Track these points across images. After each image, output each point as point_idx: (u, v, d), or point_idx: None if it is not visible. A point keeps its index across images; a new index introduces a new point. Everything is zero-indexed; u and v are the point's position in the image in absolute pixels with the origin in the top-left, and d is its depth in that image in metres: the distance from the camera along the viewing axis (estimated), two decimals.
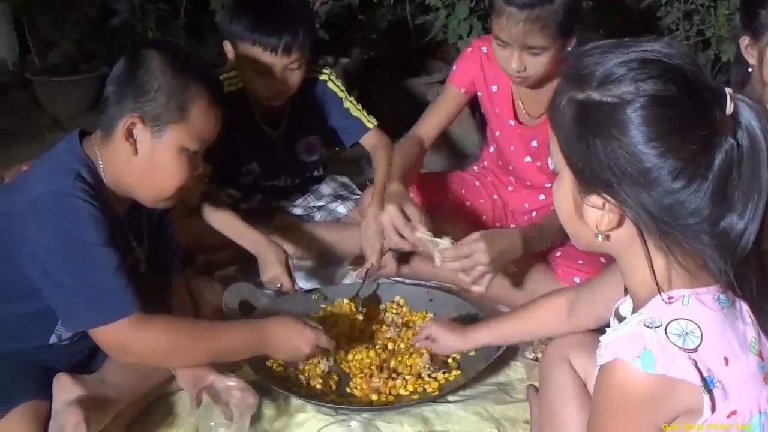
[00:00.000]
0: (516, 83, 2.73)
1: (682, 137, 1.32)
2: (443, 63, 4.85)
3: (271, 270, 2.68)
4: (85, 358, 2.25)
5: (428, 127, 2.97)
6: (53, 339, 2.16)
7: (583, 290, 2.03)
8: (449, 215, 3.03)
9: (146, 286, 2.23)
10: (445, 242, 2.42)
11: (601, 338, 1.50)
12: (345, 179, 3.46)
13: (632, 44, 1.39)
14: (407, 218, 2.49)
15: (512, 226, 3.00)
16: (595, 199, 1.40)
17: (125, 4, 5.22)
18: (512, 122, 2.90)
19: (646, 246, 1.39)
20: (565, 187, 1.47)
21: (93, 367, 2.23)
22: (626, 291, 1.62)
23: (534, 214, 3.10)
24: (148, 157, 2.08)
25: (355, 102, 3.19)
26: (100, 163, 2.10)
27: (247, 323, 2.32)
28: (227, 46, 2.96)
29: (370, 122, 3.17)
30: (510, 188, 3.14)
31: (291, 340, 2.22)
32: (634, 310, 1.50)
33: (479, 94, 2.94)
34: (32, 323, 2.13)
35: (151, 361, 2.11)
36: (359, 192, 3.29)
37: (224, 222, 2.80)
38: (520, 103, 2.88)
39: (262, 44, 2.83)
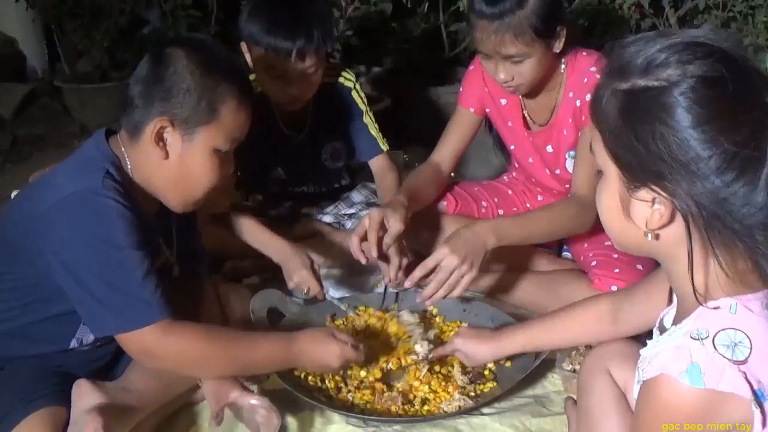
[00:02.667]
0: (510, 92, 2.72)
1: (734, 119, 1.25)
2: None
3: (297, 274, 2.61)
4: (106, 365, 2.18)
5: (444, 152, 2.96)
6: (74, 344, 2.10)
7: (627, 295, 1.94)
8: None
9: (178, 290, 2.18)
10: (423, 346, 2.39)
11: (642, 351, 1.44)
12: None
13: (673, 32, 1.35)
14: (384, 228, 2.49)
15: (482, 220, 2.91)
16: (645, 194, 1.33)
17: (156, 12, 5.21)
18: (526, 133, 2.88)
19: (691, 242, 1.32)
20: (610, 185, 1.40)
21: (114, 374, 2.17)
22: (670, 299, 1.55)
23: None
24: (179, 160, 2.01)
25: (373, 119, 3.15)
26: (128, 162, 2.04)
27: (277, 336, 2.20)
28: (244, 48, 2.92)
29: (384, 145, 3.14)
30: (540, 197, 3.11)
31: (320, 355, 2.12)
32: (677, 319, 1.43)
33: (488, 110, 2.91)
34: (52, 327, 2.06)
35: (179, 368, 2.03)
36: None
37: (248, 232, 2.75)
38: (526, 111, 2.86)
39: (275, 49, 2.77)
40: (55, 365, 2.10)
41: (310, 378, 2.32)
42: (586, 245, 2.81)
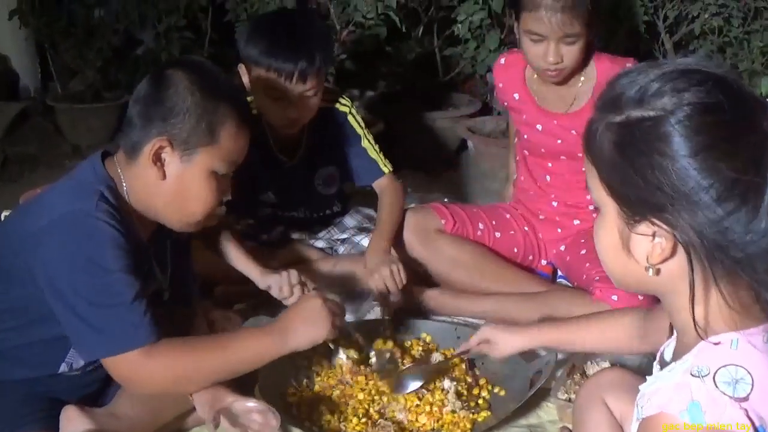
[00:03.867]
0: (549, 78, 2.81)
1: (733, 146, 1.23)
2: (470, 96, 4.80)
3: (284, 289, 2.58)
4: (96, 391, 2.15)
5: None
6: (63, 368, 2.07)
7: (655, 312, 1.88)
8: (478, 248, 3.01)
9: (168, 315, 2.16)
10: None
11: (641, 386, 1.40)
12: (370, 211, 3.37)
13: (665, 61, 1.32)
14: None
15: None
16: (645, 228, 1.30)
17: (149, 33, 5.21)
18: (540, 126, 2.94)
19: (693, 275, 1.28)
20: (608, 222, 1.37)
21: (104, 401, 2.14)
22: (671, 332, 1.52)
23: (563, 248, 3.05)
24: (177, 181, 2.00)
25: (373, 142, 3.12)
26: (124, 184, 2.02)
27: (257, 328, 2.21)
28: (242, 70, 2.90)
29: (386, 167, 3.11)
30: (541, 216, 3.10)
31: (303, 313, 2.11)
32: (677, 354, 1.40)
33: (505, 104, 3.07)
34: (42, 350, 2.04)
35: (167, 389, 2.01)
36: None
37: (234, 260, 2.74)
38: (543, 102, 2.94)
39: (276, 70, 2.74)
40: (44, 390, 2.07)
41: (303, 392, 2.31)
42: (587, 264, 2.81)
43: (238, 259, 2.72)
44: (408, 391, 2.30)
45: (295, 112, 2.84)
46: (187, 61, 2.23)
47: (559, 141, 2.92)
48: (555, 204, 3.07)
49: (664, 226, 1.27)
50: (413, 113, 4.55)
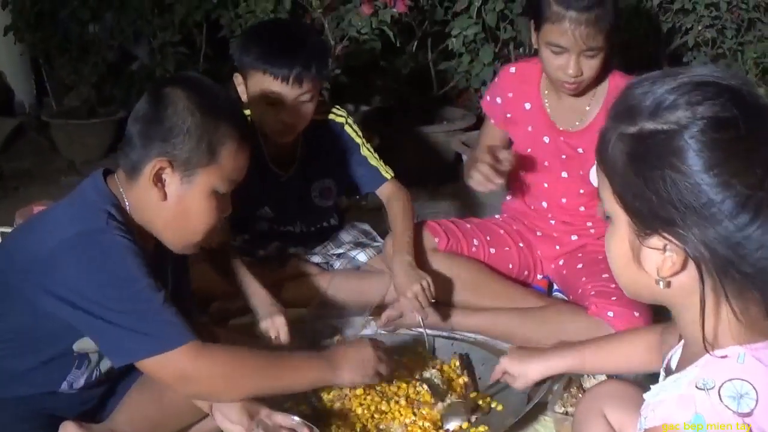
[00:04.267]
0: (566, 90, 2.79)
1: (747, 161, 1.22)
2: (465, 111, 4.81)
3: (267, 320, 2.59)
4: (94, 407, 2.15)
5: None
6: (64, 386, 2.06)
7: (671, 328, 1.88)
8: (473, 264, 2.99)
9: None
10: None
11: (645, 395, 1.39)
12: (366, 226, 3.38)
13: (680, 71, 1.30)
14: None
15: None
16: (656, 241, 1.29)
17: (144, 48, 5.21)
18: (546, 139, 2.92)
19: (704, 289, 1.28)
20: (620, 233, 1.36)
21: (102, 417, 2.13)
22: (678, 339, 1.51)
23: (561, 262, 3.04)
24: (178, 202, 1.99)
25: (372, 150, 3.12)
26: (126, 203, 2.02)
27: (310, 353, 2.21)
28: (237, 79, 2.91)
29: (387, 173, 3.11)
30: (538, 233, 3.10)
31: (354, 355, 2.15)
32: (683, 363, 1.39)
33: (508, 115, 3.00)
34: (45, 370, 2.02)
35: (213, 390, 1.99)
36: (380, 239, 3.21)
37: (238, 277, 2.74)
38: (552, 113, 2.92)
39: (273, 73, 2.76)
40: (42, 407, 2.06)
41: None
42: (583, 279, 2.81)
43: (249, 292, 2.72)
44: (450, 427, 2.29)
45: (290, 117, 2.84)
46: (185, 78, 2.20)
47: (564, 156, 2.91)
48: (552, 222, 3.06)
49: (675, 241, 1.26)
50: (408, 128, 4.56)
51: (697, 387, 1.25)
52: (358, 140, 3.10)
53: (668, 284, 1.32)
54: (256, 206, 3.10)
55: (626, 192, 1.31)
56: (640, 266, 1.34)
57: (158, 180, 1.96)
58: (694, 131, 1.22)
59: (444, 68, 4.54)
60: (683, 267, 1.29)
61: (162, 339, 1.87)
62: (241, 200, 2.80)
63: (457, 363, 2.55)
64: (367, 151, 3.10)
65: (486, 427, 2.27)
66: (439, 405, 2.33)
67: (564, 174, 2.94)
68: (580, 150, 2.86)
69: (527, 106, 2.94)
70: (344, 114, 3.11)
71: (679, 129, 1.23)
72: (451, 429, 2.28)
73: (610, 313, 2.55)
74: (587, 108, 2.85)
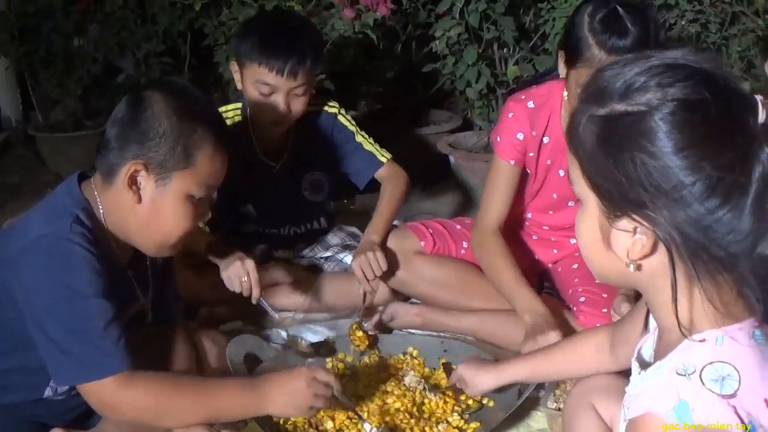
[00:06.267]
0: None
1: (717, 144, 1.21)
2: (451, 113, 4.81)
3: (232, 267, 2.59)
4: (81, 415, 2.13)
5: (495, 215, 2.83)
6: (48, 392, 2.05)
7: (623, 325, 1.88)
8: (460, 266, 2.97)
9: (153, 337, 2.18)
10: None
11: (627, 388, 1.40)
12: (353, 229, 3.37)
13: (652, 54, 1.29)
14: None
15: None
16: (626, 224, 1.28)
17: (129, 60, 5.20)
18: (562, 173, 2.80)
19: (674, 272, 1.27)
20: (589, 215, 1.35)
21: (90, 424, 2.12)
22: (646, 327, 1.53)
23: (557, 264, 3.03)
24: (152, 205, 1.98)
25: (366, 136, 3.13)
26: (101, 207, 2.00)
27: (243, 382, 2.11)
28: (234, 67, 2.93)
29: (383, 156, 3.11)
30: (534, 237, 3.06)
31: (288, 389, 2.02)
32: (660, 352, 1.38)
33: (531, 154, 2.80)
34: (27, 374, 2.02)
35: (140, 420, 1.97)
36: None
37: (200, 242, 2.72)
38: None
39: (268, 65, 2.78)
40: (29, 415, 2.06)
41: (288, 424, 2.26)
42: (576, 280, 2.79)
43: (209, 247, 2.71)
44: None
45: (284, 109, 2.85)
46: (165, 82, 2.21)
47: (568, 199, 2.85)
48: (546, 228, 3.04)
49: (645, 223, 1.26)
50: (394, 131, 4.54)
51: (677, 373, 1.25)
52: (352, 128, 3.11)
53: (638, 267, 1.31)
54: (244, 203, 3.10)
55: (596, 174, 1.30)
56: (609, 248, 1.33)
57: (133, 182, 1.95)
58: (665, 112, 1.21)
59: (429, 71, 4.54)
60: (653, 250, 1.29)
61: (90, 367, 1.85)
62: (226, 194, 2.82)
63: (415, 353, 2.63)
64: (361, 138, 3.12)
65: (478, 423, 2.27)
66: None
67: (571, 203, 2.88)
68: None
69: (545, 140, 2.78)
70: (337, 105, 3.13)
71: (649, 110, 1.22)
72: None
73: (599, 325, 2.53)
74: None
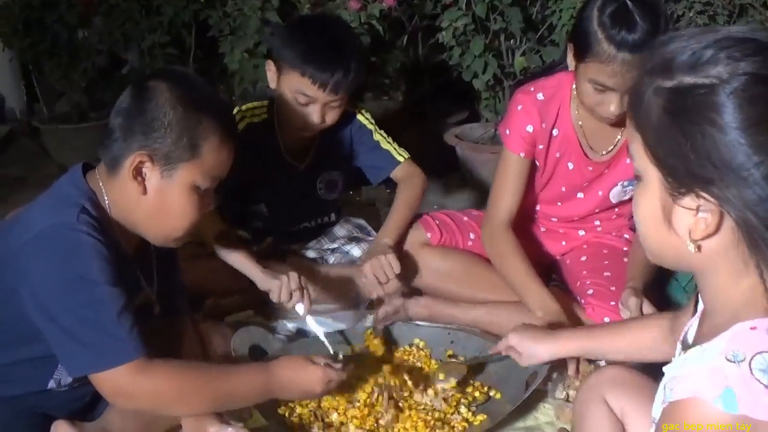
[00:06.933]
0: (604, 121, 2.58)
1: None
2: (458, 104, 4.79)
3: (277, 281, 2.55)
4: (86, 406, 2.12)
5: (505, 209, 2.79)
6: (52, 384, 2.03)
7: (682, 316, 1.83)
8: (467, 258, 2.95)
9: (158, 329, 2.14)
10: None
11: (666, 369, 1.35)
12: (360, 221, 3.36)
13: (717, 28, 1.26)
14: None
15: None
16: (690, 201, 1.25)
17: (134, 52, 5.19)
18: (571, 165, 2.78)
19: (758, 249, 1.22)
20: (651, 191, 1.31)
21: (94, 415, 2.10)
22: (695, 310, 1.48)
23: (565, 256, 3.01)
24: (157, 196, 1.96)
25: (384, 135, 3.09)
26: (106, 198, 1.98)
27: (255, 366, 2.14)
28: (270, 66, 2.88)
29: (401, 155, 3.08)
30: (543, 228, 3.04)
31: (299, 380, 2.05)
32: (706, 335, 1.32)
33: (540, 146, 2.77)
34: (30, 367, 2.00)
35: (155, 408, 1.96)
36: (375, 234, 3.16)
37: (236, 262, 2.69)
38: (586, 141, 2.75)
39: (312, 77, 2.73)
40: (33, 406, 2.04)
41: (294, 417, 2.25)
42: (584, 272, 2.77)
43: (238, 259, 2.69)
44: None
45: (319, 120, 2.82)
46: (170, 72, 2.15)
47: (585, 184, 2.82)
48: (554, 220, 3.02)
49: (712, 200, 1.22)
50: (401, 123, 4.52)
51: (727, 359, 1.21)
52: (370, 127, 3.08)
53: (698, 248, 1.28)
54: (254, 201, 3.08)
55: (660, 147, 1.27)
56: (670, 227, 1.30)
57: (138, 174, 1.93)
58: (735, 86, 1.18)
59: (436, 61, 4.52)
60: (716, 230, 1.25)
61: (106, 355, 1.83)
62: (238, 192, 2.80)
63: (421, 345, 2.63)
64: (379, 137, 3.09)
65: (485, 416, 2.25)
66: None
67: (580, 195, 2.86)
68: (606, 170, 2.77)
69: (555, 132, 2.75)
70: (356, 104, 3.11)
71: (720, 83, 1.19)
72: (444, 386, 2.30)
73: (607, 319, 2.52)
74: (619, 137, 2.71)
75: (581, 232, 2.97)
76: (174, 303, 2.29)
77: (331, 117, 2.86)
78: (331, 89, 2.75)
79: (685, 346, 1.43)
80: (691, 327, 1.46)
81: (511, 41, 4.17)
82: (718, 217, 1.23)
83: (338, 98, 2.80)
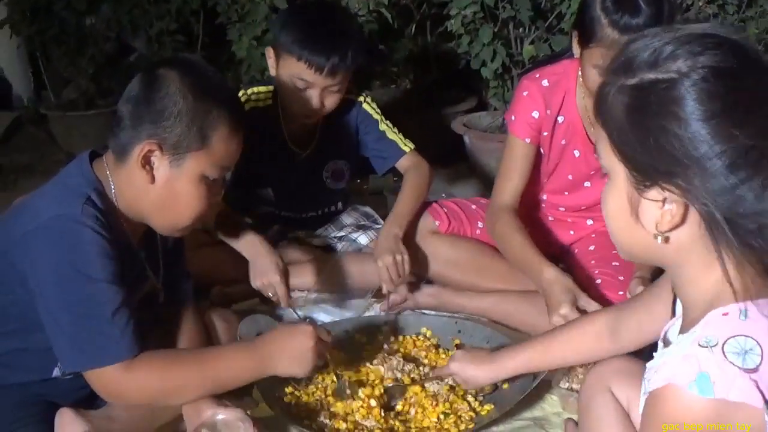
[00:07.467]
0: None
1: (748, 112, 1.20)
2: (467, 92, 4.77)
3: (265, 276, 2.56)
4: (91, 393, 2.07)
5: (509, 193, 2.79)
6: (56, 372, 2.03)
7: (625, 310, 1.88)
8: (475, 246, 2.94)
9: (163, 318, 2.16)
10: None
11: (648, 364, 1.39)
12: (367, 209, 3.35)
13: (677, 27, 1.29)
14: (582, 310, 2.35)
15: None
16: (655, 194, 1.27)
17: (142, 39, 5.19)
18: (577, 153, 2.77)
19: (716, 241, 1.25)
20: (617, 188, 1.34)
21: (99, 404, 2.08)
22: (673, 312, 1.50)
23: (573, 245, 3.00)
24: (165, 185, 1.94)
25: (390, 125, 3.08)
26: (112, 186, 1.97)
27: (242, 345, 2.14)
28: (269, 53, 2.88)
29: (406, 145, 3.07)
30: (551, 218, 3.03)
31: (289, 343, 2.03)
32: (684, 329, 1.36)
33: (545, 133, 2.77)
34: (35, 355, 2.00)
35: (147, 403, 1.97)
36: (381, 222, 3.15)
37: (226, 228, 2.68)
38: (593, 129, 2.71)
39: (309, 61, 2.72)
40: (38, 394, 2.04)
41: (302, 396, 2.26)
42: (592, 262, 2.76)
43: (231, 225, 2.69)
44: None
45: (318, 104, 2.81)
46: (180, 60, 2.12)
47: (592, 172, 2.81)
48: (562, 209, 3.00)
49: (676, 192, 1.25)
50: (409, 111, 4.52)
51: (699, 345, 1.24)
52: (377, 116, 3.07)
53: (666, 239, 1.30)
54: (261, 185, 3.07)
55: (625, 144, 1.29)
56: (637, 221, 1.32)
57: (147, 162, 1.92)
58: (695, 79, 1.21)
59: (444, 50, 4.50)
60: (682, 221, 1.27)
61: (94, 354, 1.84)
62: (245, 176, 2.79)
63: (428, 333, 2.62)
64: (385, 126, 3.07)
65: (491, 406, 2.24)
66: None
67: (587, 184, 2.85)
68: None
69: (560, 119, 2.75)
70: (363, 93, 3.09)
71: (680, 77, 1.22)
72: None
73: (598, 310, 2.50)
74: None
75: (589, 222, 2.96)
76: (180, 291, 2.29)
77: (331, 102, 2.85)
78: (327, 73, 2.74)
79: (666, 344, 1.45)
80: (671, 327, 1.47)
81: (520, 29, 4.16)
82: (683, 208, 1.26)
83: (336, 83, 2.78)
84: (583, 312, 2.31)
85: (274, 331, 2.08)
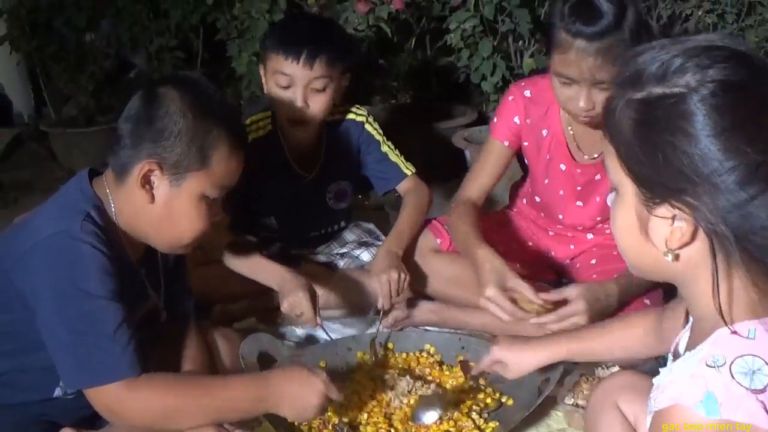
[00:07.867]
0: (580, 121, 2.55)
1: (758, 126, 1.18)
2: (467, 106, 4.77)
3: (292, 295, 2.52)
4: (92, 414, 2.07)
5: (476, 189, 2.85)
6: (58, 392, 2.02)
7: (668, 310, 1.86)
8: None
9: (164, 336, 2.15)
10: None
11: (655, 379, 1.36)
12: (370, 225, 3.34)
13: (685, 38, 1.27)
14: (512, 299, 2.40)
15: (611, 280, 2.62)
16: (665, 211, 1.25)
17: (141, 55, 5.19)
18: (563, 166, 2.77)
19: (715, 260, 1.24)
20: (626, 204, 1.32)
21: (100, 424, 2.08)
22: (686, 321, 1.48)
23: (575, 260, 2.98)
24: (165, 205, 1.94)
25: (392, 147, 3.07)
26: (112, 204, 1.96)
27: (250, 377, 2.11)
28: (261, 69, 2.87)
29: (408, 169, 3.06)
30: (551, 232, 3.01)
31: (298, 392, 1.97)
32: (691, 344, 1.35)
33: (525, 143, 2.79)
34: (36, 375, 1.99)
35: (147, 424, 1.93)
36: (384, 238, 3.14)
37: (242, 260, 2.67)
38: (575, 144, 2.74)
39: (285, 52, 2.72)
40: (39, 414, 2.03)
41: (303, 425, 2.22)
42: (594, 275, 2.75)
43: (251, 258, 2.68)
44: (426, 422, 2.21)
45: (302, 104, 2.77)
46: (180, 78, 2.12)
47: (579, 188, 2.80)
48: (560, 226, 2.99)
49: (685, 210, 1.23)
50: (409, 126, 4.52)
51: (707, 365, 1.22)
52: (379, 137, 3.06)
53: (676, 257, 1.28)
54: (264, 213, 3.06)
55: (633, 159, 1.27)
56: (647, 238, 1.30)
57: (146, 182, 1.91)
58: (704, 94, 1.19)
59: (444, 64, 4.50)
60: (692, 238, 1.26)
61: (96, 371, 1.82)
62: (247, 203, 2.78)
63: (432, 350, 2.61)
64: (387, 148, 3.06)
65: (496, 423, 2.23)
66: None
67: (579, 203, 2.84)
68: (597, 177, 2.74)
69: (544, 133, 2.76)
70: (364, 113, 3.07)
71: (689, 92, 1.20)
72: (428, 423, 2.21)
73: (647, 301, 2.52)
74: None
75: (589, 236, 2.95)
76: (180, 309, 2.28)
77: (317, 104, 2.80)
78: (305, 62, 2.71)
79: (676, 357, 1.43)
80: (681, 338, 1.46)
81: (520, 43, 4.16)
82: (693, 225, 1.24)
83: (317, 76, 2.75)
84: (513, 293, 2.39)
85: (286, 371, 2.02)
